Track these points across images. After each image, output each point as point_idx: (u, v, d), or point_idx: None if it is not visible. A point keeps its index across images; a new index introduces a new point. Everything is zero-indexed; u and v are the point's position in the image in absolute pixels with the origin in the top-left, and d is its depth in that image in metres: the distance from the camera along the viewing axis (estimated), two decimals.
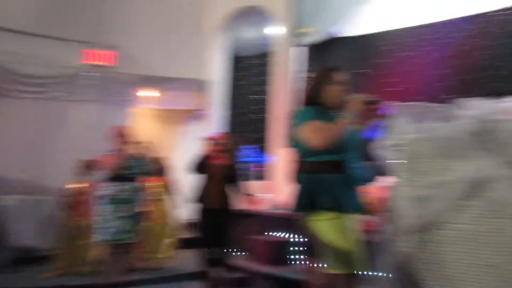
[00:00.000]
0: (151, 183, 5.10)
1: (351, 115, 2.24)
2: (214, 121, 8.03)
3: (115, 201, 3.96)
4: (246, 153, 7.57)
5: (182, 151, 7.29)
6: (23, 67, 6.95)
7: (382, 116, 2.15)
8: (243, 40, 8.26)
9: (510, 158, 1.55)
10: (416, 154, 1.73)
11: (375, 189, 2.42)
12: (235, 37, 8.25)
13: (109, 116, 6.94)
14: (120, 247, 3.98)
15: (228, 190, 4.46)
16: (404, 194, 1.72)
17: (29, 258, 5.23)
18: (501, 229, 1.56)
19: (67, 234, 4.81)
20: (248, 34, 8.22)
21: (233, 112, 8.41)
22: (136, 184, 4.14)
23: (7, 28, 6.82)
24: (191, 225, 4.99)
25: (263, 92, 8.08)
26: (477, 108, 1.63)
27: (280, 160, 6.69)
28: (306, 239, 3.97)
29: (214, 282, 4.41)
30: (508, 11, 6.09)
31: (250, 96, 8.34)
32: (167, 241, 5.39)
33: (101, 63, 7.54)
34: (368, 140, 2.31)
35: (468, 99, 1.72)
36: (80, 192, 4.89)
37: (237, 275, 5.04)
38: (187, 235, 5.62)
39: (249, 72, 8.44)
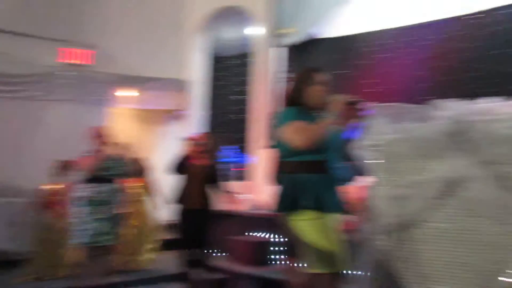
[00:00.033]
0: (131, 184, 5.04)
1: (333, 115, 2.26)
2: (194, 121, 7.98)
3: (92, 202, 3.89)
4: (226, 153, 7.55)
5: (161, 152, 7.22)
6: None
7: (363, 117, 2.17)
8: (223, 40, 8.24)
9: (483, 158, 1.59)
10: (394, 154, 1.76)
11: (354, 189, 2.44)
12: (215, 37, 8.22)
13: (86, 116, 6.83)
14: (98, 250, 3.91)
15: (209, 190, 4.44)
16: (382, 194, 1.75)
17: (3, 262, 5.09)
18: (475, 227, 1.60)
19: (43, 237, 4.71)
20: (228, 34, 8.21)
21: (213, 112, 8.38)
22: (114, 185, 4.08)
23: None
24: (171, 226, 4.95)
25: (243, 92, 8.08)
26: (452, 109, 1.67)
27: (260, 160, 6.70)
28: (286, 239, 3.98)
29: (195, 283, 4.39)
30: (483, 15, 6.26)
31: (230, 97, 8.33)
32: (147, 242, 5.34)
33: (78, 62, 7.40)
34: (347, 140, 2.33)
35: (444, 100, 1.75)
36: (55, 193, 4.79)
37: (218, 276, 5.02)
38: (167, 236, 5.57)
39: (229, 72, 8.43)
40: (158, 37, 7.91)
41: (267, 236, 5.77)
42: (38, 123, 6.96)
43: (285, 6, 7.23)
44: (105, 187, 3.97)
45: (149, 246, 5.35)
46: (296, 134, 2.26)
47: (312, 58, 7.27)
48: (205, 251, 4.48)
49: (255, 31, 7.59)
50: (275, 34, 7.28)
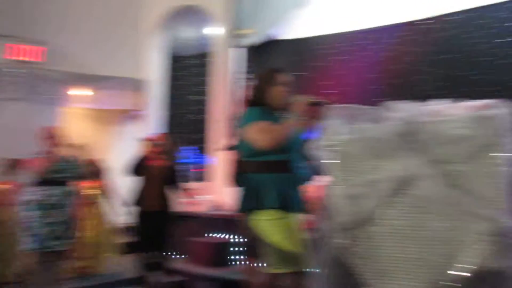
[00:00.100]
0: (86, 186, 4.89)
1: (295, 116, 2.29)
2: (152, 121, 7.84)
3: (42, 206, 3.72)
4: (185, 154, 7.47)
5: (118, 153, 7.04)
6: None
7: (324, 117, 2.21)
8: (182, 40, 8.14)
9: (433, 157, 1.66)
10: (349, 154, 1.80)
11: (313, 188, 2.48)
12: (173, 37, 8.11)
13: (37, 116, 6.54)
14: (50, 255, 3.76)
15: (167, 192, 4.38)
16: (338, 193, 1.79)
17: None
18: (426, 223, 1.67)
19: None
20: (187, 33, 8.12)
21: (171, 113, 8.26)
22: (67, 188, 3.93)
23: None
24: (129, 229, 4.85)
25: (202, 92, 8.01)
26: (404, 111, 1.73)
27: (220, 161, 6.67)
28: (246, 240, 3.98)
29: (153, 287, 4.31)
30: (432, 21, 6.54)
31: (189, 97, 8.25)
32: (104, 246, 5.19)
33: (27, 59, 7.06)
34: (306, 140, 2.37)
35: (396, 102, 1.82)
36: (2, 193, 4.56)
37: (177, 278, 4.96)
38: (125, 239, 5.45)
39: (188, 72, 8.34)
40: (115, 35, 7.70)
41: (226, 237, 5.76)
42: None
43: (244, 7, 7.25)
44: (56, 190, 3.81)
45: (106, 250, 5.21)
46: (260, 134, 2.26)
47: (270, 59, 7.33)
48: (164, 253, 4.42)
49: (214, 31, 7.56)
50: (234, 35, 7.28)
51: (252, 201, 2.33)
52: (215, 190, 6.73)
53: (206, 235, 5.97)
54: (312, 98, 2.36)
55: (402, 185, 1.70)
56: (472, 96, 2.21)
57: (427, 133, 1.69)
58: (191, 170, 7.36)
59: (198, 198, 6.37)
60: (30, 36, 7.05)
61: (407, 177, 1.68)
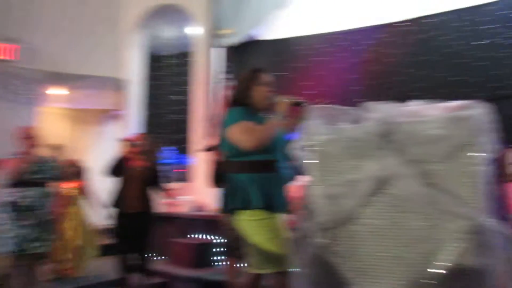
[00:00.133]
0: (64, 187, 4.81)
1: (279, 116, 2.30)
2: (132, 121, 7.74)
3: (18, 208, 3.63)
4: (166, 154, 7.41)
5: (97, 153, 6.94)
6: None
7: (305, 117, 2.22)
8: (161, 39, 8.08)
9: (410, 157, 1.69)
10: (328, 154, 1.82)
11: (294, 188, 2.49)
12: (152, 36, 8.03)
13: (13, 115, 6.39)
14: (27, 258, 3.67)
15: (148, 193, 4.33)
16: (318, 192, 1.80)
17: None
18: (404, 222, 1.70)
19: None
20: (166, 32, 8.06)
21: (152, 113, 8.18)
22: (45, 189, 3.85)
23: None
24: (109, 231, 4.78)
25: (183, 92, 7.96)
26: (382, 111, 1.75)
27: (201, 161, 6.65)
28: (229, 240, 3.96)
29: None
30: (409, 23, 6.65)
31: (170, 96, 8.18)
32: (84, 248, 5.10)
33: (1, 57, 6.89)
34: (289, 140, 2.38)
35: (375, 102, 1.84)
36: None
37: (158, 280, 4.92)
38: (105, 241, 5.37)
39: (168, 72, 8.28)
40: (93, 34, 7.58)
41: (208, 237, 5.73)
42: None
43: (224, 7, 7.23)
44: (33, 191, 3.73)
45: (87, 252, 5.13)
46: (244, 134, 2.26)
47: (250, 59, 7.33)
48: (145, 255, 4.37)
49: (194, 30, 7.52)
50: (214, 34, 7.25)
51: (236, 201, 2.32)
52: (196, 190, 6.70)
53: (187, 236, 5.94)
54: (295, 99, 2.37)
55: (380, 185, 1.72)
56: (449, 97, 2.25)
57: (405, 133, 1.71)
58: (172, 170, 7.31)
59: (180, 198, 6.33)
60: (2, 33, 6.87)
61: (385, 177, 1.70)
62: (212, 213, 6.02)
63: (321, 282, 1.79)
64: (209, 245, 5.59)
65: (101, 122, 7.96)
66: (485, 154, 1.66)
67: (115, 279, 4.46)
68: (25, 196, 3.68)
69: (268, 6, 6.93)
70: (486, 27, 6.18)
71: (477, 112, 1.66)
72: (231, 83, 6.83)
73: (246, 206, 2.28)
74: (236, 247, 3.63)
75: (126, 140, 4.46)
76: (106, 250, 5.20)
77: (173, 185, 6.16)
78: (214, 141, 5.71)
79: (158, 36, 8.04)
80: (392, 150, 1.70)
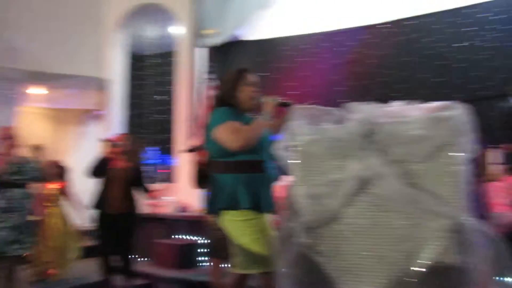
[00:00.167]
0: (46, 188, 4.73)
1: (266, 116, 2.30)
2: (114, 121, 7.66)
3: None
4: (149, 155, 7.35)
5: (79, 154, 6.85)
6: None
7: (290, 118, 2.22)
8: (145, 38, 8.01)
9: (392, 157, 1.71)
10: (311, 154, 1.83)
11: (279, 188, 2.50)
12: (136, 35, 7.96)
13: None
14: (7, 261, 3.60)
15: (131, 193, 4.29)
16: (301, 192, 1.81)
17: None
18: (387, 221, 1.72)
19: None
20: (150, 32, 7.99)
21: (135, 113, 8.11)
22: (25, 190, 3.78)
23: None
24: (91, 232, 4.72)
25: (166, 92, 7.91)
26: (365, 112, 1.77)
27: (185, 162, 6.61)
28: (213, 240, 3.94)
29: None
30: (389, 25, 6.73)
31: (155, 96, 8.12)
32: (66, 250, 5.03)
33: None
34: (275, 140, 2.38)
35: (358, 103, 1.86)
36: None
37: (141, 282, 4.88)
38: (88, 243, 5.30)
39: (152, 72, 8.22)
40: (75, 33, 7.46)
41: (193, 238, 5.71)
42: None
43: (207, 7, 7.19)
44: (12, 192, 3.65)
45: (69, 253, 5.05)
46: (232, 134, 2.25)
47: (234, 59, 7.32)
48: (128, 256, 4.33)
49: (177, 30, 7.47)
50: (197, 34, 7.22)
51: (223, 202, 2.30)
52: (180, 191, 6.66)
53: (171, 236, 5.90)
54: (281, 99, 2.38)
55: (363, 185, 1.74)
56: (430, 98, 2.29)
57: (387, 133, 1.73)
58: (156, 171, 7.26)
59: (163, 199, 6.28)
60: None
61: (368, 177, 1.72)
62: (196, 214, 5.99)
63: (306, 282, 1.79)
64: (193, 246, 5.56)
65: (83, 122, 7.85)
66: (465, 154, 1.69)
67: (97, 281, 4.41)
68: (5, 197, 3.61)
69: (251, 6, 6.93)
70: (467, 29, 6.30)
71: (457, 113, 1.69)
72: (214, 83, 6.82)
73: (233, 206, 2.27)
74: (220, 248, 3.62)
75: (108, 140, 4.40)
76: (88, 252, 5.14)
77: (156, 185, 6.11)
78: (198, 142, 5.69)
79: (140, 35, 7.97)
80: (375, 150, 1.72)
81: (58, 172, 5.07)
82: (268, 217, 2.35)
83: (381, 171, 1.68)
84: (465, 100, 1.98)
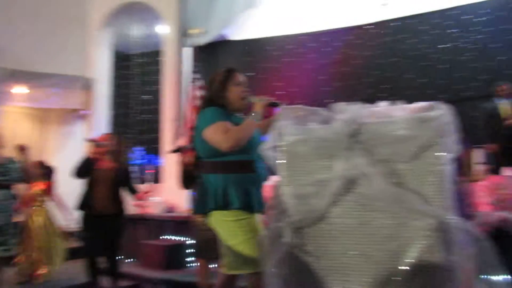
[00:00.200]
0: (31, 189, 4.67)
1: (256, 116, 2.30)
2: (100, 121, 7.58)
3: None
4: (135, 155, 7.29)
5: (65, 154, 6.77)
6: None
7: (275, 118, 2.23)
8: (130, 37, 7.95)
9: (377, 157, 1.73)
10: (297, 154, 1.83)
11: (268, 187, 2.50)
12: (122, 34, 7.89)
13: None
14: None
15: (117, 194, 4.25)
16: (288, 192, 1.81)
17: None
18: (373, 221, 1.73)
19: None
20: (135, 31, 7.93)
21: (120, 112, 8.05)
22: (9, 191, 3.72)
23: None
24: (77, 234, 4.67)
25: (153, 92, 7.86)
26: (351, 112, 1.78)
27: (172, 162, 6.58)
28: (201, 241, 3.93)
29: None
30: (377, 25, 6.79)
31: (143, 96, 8.07)
32: (52, 251, 4.96)
33: None
34: (264, 140, 2.38)
35: (343, 103, 1.87)
36: None
37: (128, 283, 4.84)
38: (74, 244, 5.24)
39: (138, 71, 8.16)
40: (60, 32, 7.38)
41: (181, 239, 5.68)
42: None
43: (193, 6, 7.17)
44: None
45: (55, 255, 4.99)
46: (222, 134, 2.23)
47: (220, 59, 7.32)
48: (115, 257, 4.29)
49: (163, 29, 7.43)
50: (184, 34, 7.18)
51: (214, 202, 2.28)
52: (167, 191, 6.63)
53: (158, 237, 5.87)
54: (271, 99, 2.38)
55: (349, 184, 1.75)
56: (415, 98, 2.32)
57: (372, 133, 1.75)
58: (142, 171, 7.21)
59: (150, 200, 6.24)
60: None
61: (354, 176, 1.73)
62: (183, 214, 5.97)
63: (294, 282, 1.80)
64: (180, 246, 5.54)
65: (68, 121, 7.75)
66: (449, 154, 1.71)
67: (84, 282, 4.37)
68: None
69: (238, 6, 6.93)
70: (451, 31, 6.39)
71: (442, 113, 1.71)
72: (199, 83, 6.80)
73: (224, 206, 2.26)
74: (208, 248, 3.61)
75: (93, 140, 4.35)
76: (74, 253, 5.08)
77: (143, 186, 6.07)
78: (184, 142, 5.66)
79: (126, 34, 7.91)
80: (360, 150, 1.73)
81: (42, 172, 5.00)
82: (259, 217, 2.34)
83: (367, 171, 1.69)
84: (449, 100, 2.01)
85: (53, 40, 7.24)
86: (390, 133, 1.72)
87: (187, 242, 5.50)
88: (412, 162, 1.70)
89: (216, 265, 4.16)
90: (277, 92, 6.37)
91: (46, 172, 5.05)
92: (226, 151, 2.25)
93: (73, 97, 7.46)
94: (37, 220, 4.84)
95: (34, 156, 5.00)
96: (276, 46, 7.23)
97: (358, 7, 6.74)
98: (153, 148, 7.46)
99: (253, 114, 2.33)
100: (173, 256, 5.40)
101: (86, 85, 7.50)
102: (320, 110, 1.92)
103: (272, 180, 2.29)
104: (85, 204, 4.16)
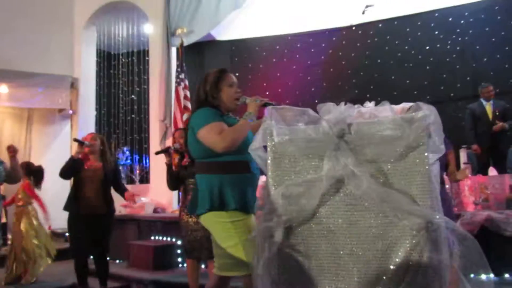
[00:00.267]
0: (16, 189, 4.61)
1: (250, 116, 2.29)
2: (87, 121, 7.50)
3: None
4: (123, 155, 7.24)
5: (50, 154, 6.69)
6: None
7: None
8: (117, 37, 7.88)
9: (364, 157, 1.74)
10: (285, 154, 1.84)
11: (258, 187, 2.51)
12: (107, 33, 7.83)
13: None
14: None
15: (104, 194, 4.21)
16: (276, 193, 1.82)
17: None
18: (360, 220, 1.75)
19: None
20: (122, 30, 7.87)
21: (107, 112, 7.98)
22: None
23: None
24: (65, 234, 4.62)
25: (140, 91, 7.81)
26: (338, 112, 1.80)
27: (160, 162, 6.55)
28: (191, 241, 3.91)
29: None
30: (363, 27, 6.85)
31: (129, 96, 8.01)
32: (39, 252, 4.90)
33: None
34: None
35: (331, 104, 1.88)
36: None
37: (117, 284, 4.81)
38: (61, 245, 5.19)
39: (125, 70, 8.10)
40: (46, 31, 7.28)
41: (168, 239, 5.65)
42: None
43: (179, 6, 7.13)
44: None
45: (42, 256, 4.93)
46: (217, 135, 2.22)
47: (206, 59, 7.31)
48: (103, 258, 4.26)
49: (150, 28, 7.39)
50: (170, 33, 7.15)
51: (209, 203, 2.27)
52: (155, 192, 6.59)
53: (147, 238, 5.83)
54: (264, 99, 2.39)
55: (337, 184, 1.76)
56: (401, 99, 2.35)
57: (359, 134, 1.76)
58: (131, 171, 7.16)
59: (139, 200, 6.20)
60: None
61: (341, 176, 1.74)
62: (172, 215, 5.94)
63: (283, 281, 1.80)
64: (169, 247, 5.51)
65: (53, 121, 7.65)
66: (435, 154, 1.74)
67: (72, 284, 4.33)
68: None
69: (224, 7, 6.91)
70: (436, 33, 6.47)
71: (427, 114, 1.73)
72: (185, 83, 6.77)
73: (220, 207, 2.25)
74: (197, 249, 3.60)
75: (77, 140, 4.30)
76: (62, 254, 5.03)
77: (131, 186, 6.03)
78: (171, 143, 5.63)
79: (112, 33, 7.85)
80: (348, 151, 1.74)
81: (28, 172, 4.94)
82: (253, 218, 2.33)
83: (354, 171, 1.70)
84: (435, 101, 2.04)
85: (38, 39, 7.14)
86: (377, 133, 1.73)
87: (176, 243, 5.48)
88: (399, 162, 1.71)
89: (205, 266, 4.15)
90: (264, 92, 6.40)
91: (30, 172, 4.97)
92: (221, 152, 2.24)
93: (59, 96, 7.36)
94: (23, 221, 4.78)
95: (20, 156, 4.93)
96: (263, 46, 7.25)
97: (345, 8, 6.79)
98: (141, 148, 7.42)
99: (247, 114, 2.33)
100: (162, 257, 5.37)
101: (72, 84, 7.41)
102: (307, 110, 1.93)
103: (261, 180, 2.30)
104: (73, 204, 4.11)
